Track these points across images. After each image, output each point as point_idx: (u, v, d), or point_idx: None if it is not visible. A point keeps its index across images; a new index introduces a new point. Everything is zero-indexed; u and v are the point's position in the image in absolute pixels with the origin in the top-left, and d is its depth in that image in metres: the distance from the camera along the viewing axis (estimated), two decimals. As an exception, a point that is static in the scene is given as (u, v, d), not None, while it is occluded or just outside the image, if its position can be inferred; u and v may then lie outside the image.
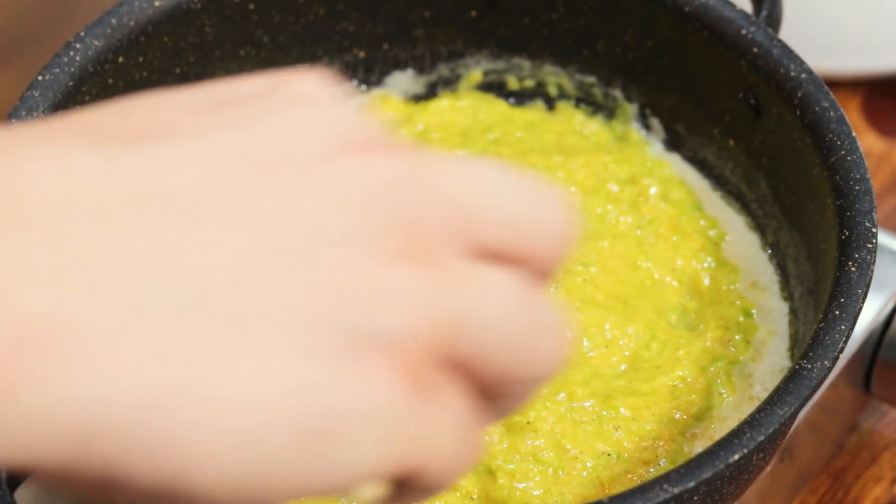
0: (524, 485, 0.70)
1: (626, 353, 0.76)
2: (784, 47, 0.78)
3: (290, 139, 0.44)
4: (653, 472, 0.71)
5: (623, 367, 0.76)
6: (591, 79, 0.87)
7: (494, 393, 0.47)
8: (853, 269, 0.69)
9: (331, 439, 0.43)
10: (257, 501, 0.43)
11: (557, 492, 0.70)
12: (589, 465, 0.71)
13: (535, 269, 0.48)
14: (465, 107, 0.87)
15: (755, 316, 0.79)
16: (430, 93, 0.89)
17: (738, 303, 0.79)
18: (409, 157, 0.45)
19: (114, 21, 0.78)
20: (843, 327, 0.67)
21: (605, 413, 0.73)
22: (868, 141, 1.06)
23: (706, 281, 0.80)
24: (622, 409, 0.73)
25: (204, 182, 0.42)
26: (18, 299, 0.39)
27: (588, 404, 0.73)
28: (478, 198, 0.46)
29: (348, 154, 0.44)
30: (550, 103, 0.89)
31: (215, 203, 0.42)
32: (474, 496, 0.70)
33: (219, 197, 0.42)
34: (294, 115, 0.44)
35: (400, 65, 0.89)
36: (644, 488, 0.62)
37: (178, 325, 0.41)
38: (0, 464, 0.40)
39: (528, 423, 0.71)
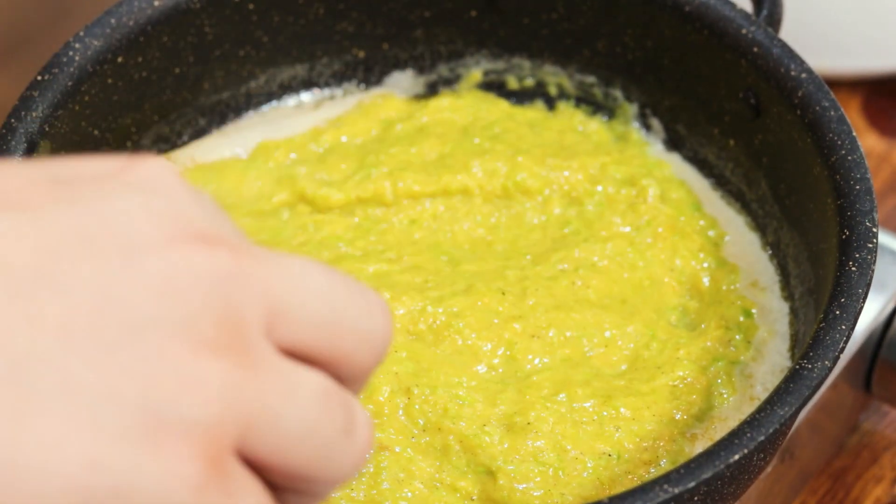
0: (524, 486, 0.70)
1: (626, 352, 0.76)
2: (784, 47, 0.78)
3: (125, 223, 0.45)
4: (653, 473, 0.71)
5: (623, 367, 0.76)
6: (591, 79, 0.87)
7: (292, 489, 0.49)
8: (854, 268, 0.69)
9: None
10: None
11: (558, 492, 0.70)
12: (589, 465, 0.71)
13: (347, 372, 0.50)
14: (465, 104, 0.87)
15: (755, 316, 0.79)
16: (430, 93, 0.89)
17: (738, 303, 0.79)
18: (237, 251, 0.47)
19: (113, 21, 0.78)
20: (843, 327, 0.67)
21: (605, 413, 0.73)
22: (869, 141, 1.06)
23: (706, 281, 0.80)
24: (622, 410, 0.73)
25: (33, 255, 0.44)
26: None
27: (588, 404, 0.73)
28: (296, 298, 0.48)
29: (179, 244, 0.46)
30: (550, 103, 0.89)
31: (41, 277, 0.44)
32: (474, 497, 0.70)
33: (46, 271, 0.44)
34: (134, 200, 0.46)
35: (400, 65, 0.89)
36: (644, 488, 0.62)
37: None
38: None
39: (528, 423, 0.71)
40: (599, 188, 0.83)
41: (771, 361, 0.77)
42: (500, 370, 0.74)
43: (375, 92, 0.89)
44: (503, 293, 0.76)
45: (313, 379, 0.48)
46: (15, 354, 0.43)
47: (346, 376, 0.50)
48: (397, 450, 0.71)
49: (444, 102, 0.87)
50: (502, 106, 0.88)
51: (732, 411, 0.74)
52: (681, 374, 0.75)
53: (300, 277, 0.48)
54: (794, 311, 0.78)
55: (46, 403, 0.43)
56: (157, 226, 0.46)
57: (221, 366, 0.45)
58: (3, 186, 0.46)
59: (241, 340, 0.46)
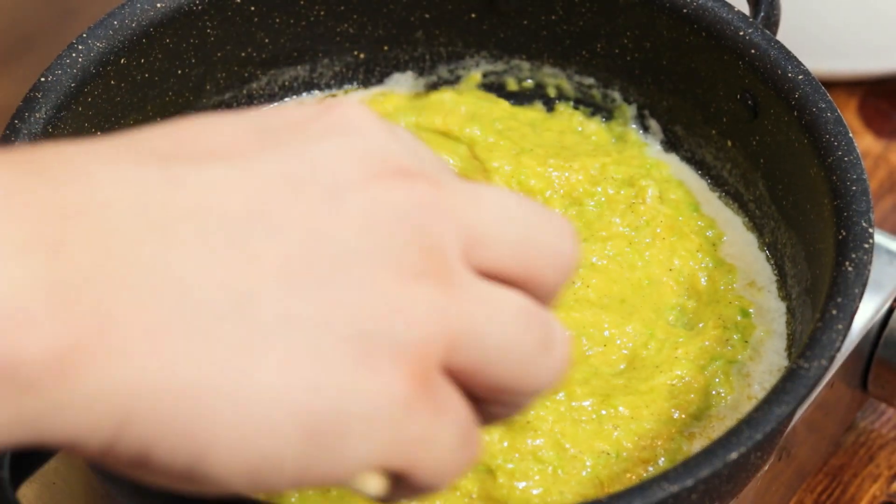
0: (524, 484, 0.70)
1: (625, 351, 0.76)
2: (781, 49, 0.79)
3: (328, 164, 0.49)
4: (651, 472, 0.72)
5: (622, 366, 0.76)
6: (589, 80, 0.88)
7: (494, 401, 0.52)
8: (850, 268, 0.69)
9: (334, 436, 0.48)
10: (260, 487, 0.48)
11: (557, 491, 0.70)
12: (588, 464, 0.71)
13: (541, 290, 0.53)
14: (466, 101, 0.88)
15: (753, 315, 0.79)
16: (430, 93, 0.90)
17: (735, 302, 0.79)
18: (435, 183, 0.50)
19: (116, 23, 0.79)
20: (840, 327, 0.67)
21: (604, 412, 0.73)
22: (865, 142, 1.06)
23: (704, 281, 0.80)
24: (621, 408, 0.73)
25: (246, 201, 0.47)
26: (84, 301, 0.45)
27: (587, 403, 0.73)
28: (491, 224, 0.51)
29: (379, 181, 0.49)
30: (549, 105, 0.89)
31: (256, 220, 0.47)
32: (474, 495, 0.71)
33: (259, 215, 0.47)
34: (334, 142, 0.50)
35: (400, 66, 0.89)
36: (643, 487, 0.63)
37: (216, 328, 0.46)
38: (56, 442, 0.46)
39: (527, 422, 0.72)
40: (599, 189, 0.83)
41: (768, 361, 0.77)
42: None
43: (376, 90, 0.89)
44: None
45: (512, 298, 0.51)
46: (239, 293, 0.46)
47: (540, 295, 0.53)
48: None
49: (445, 97, 0.88)
50: (503, 105, 0.88)
51: (730, 410, 0.75)
52: (679, 373, 0.75)
53: (495, 204, 0.51)
54: (791, 311, 0.78)
55: (270, 336, 0.46)
56: (358, 165, 0.49)
57: (427, 290, 0.48)
58: (212, 139, 0.49)
59: (443, 266, 0.49)
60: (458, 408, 0.50)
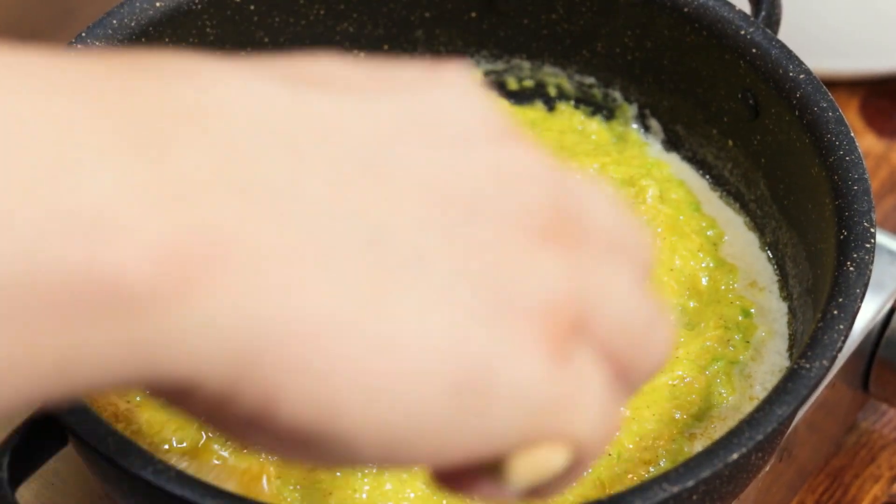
0: None
1: None
2: (783, 48, 0.78)
3: (453, 113, 0.45)
4: (653, 472, 0.72)
5: None
6: (590, 79, 0.88)
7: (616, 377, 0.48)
8: (851, 268, 0.69)
9: (482, 396, 0.43)
10: (392, 458, 0.43)
11: None
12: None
13: (641, 272, 0.49)
14: None
15: (754, 315, 0.79)
16: (430, 93, 0.89)
17: (736, 303, 0.79)
18: (549, 158, 0.47)
19: (115, 22, 0.79)
20: (841, 327, 0.67)
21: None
22: (867, 141, 1.06)
23: (704, 281, 0.80)
24: (622, 409, 0.73)
25: (377, 133, 0.43)
26: (202, 209, 0.39)
27: None
28: (599, 211, 0.48)
29: (506, 140, 0.46)
30: (550, 104, 0.89)
31: (391, 153, 0.43)
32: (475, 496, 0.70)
33: (394, 148, 0.43)
34: (454, 95, 0.46)
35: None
36: (643, 487, 0.63)
37: (352, 259, 0.41)
38: (171, 383, 0.40)
39: None
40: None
41: (770, 361, 0.77)
42: None
43: None
44: None
45: (626, 272, 0.48)
46: (374, 224, 0.42)
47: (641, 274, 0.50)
48: None
49: None
50: (502, 105, 0.88)
51: (731, 411, 0.75)
52: (680, 373, 0.75)
53: (600, 198, 0.48)
54: (792, 311, 0.78)
55: (407, 278, 0.42)
56: (482, 121, 0.46)
57: (560, 251, 0.45)
58: (336, 72, 0.45)
59: (571, 231, 0.46)
60: (598, 373, 0.46)
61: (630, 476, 0.71)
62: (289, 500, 0.70)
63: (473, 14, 0.87)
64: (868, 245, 0.70)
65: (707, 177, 0.86)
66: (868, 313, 0.82)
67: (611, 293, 0.47)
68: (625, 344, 0.47)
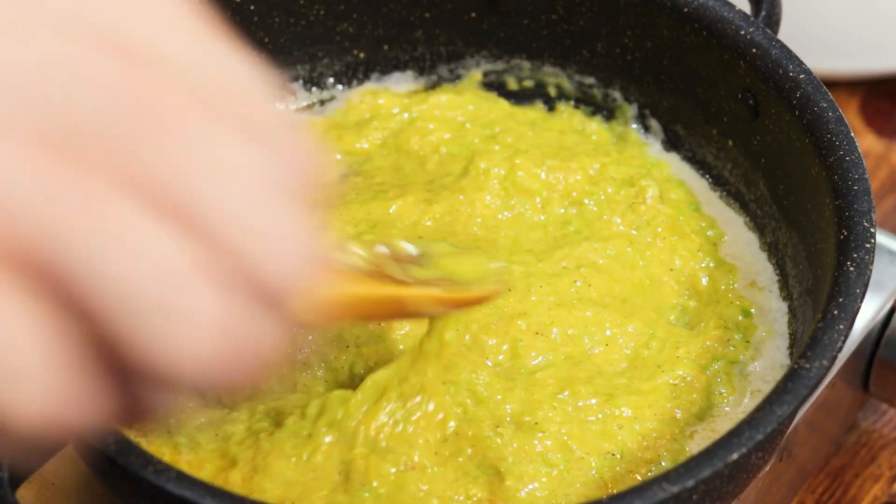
0: (531, 486, 0.70)
1: (627, 351, 0.76)
2: (783, 48, 0.78)
3: None
4: (654, 472, 0.72)
5: (624, 365, 0.76)
6: (590, 80, 0.88)
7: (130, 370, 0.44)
8: (851, 268, 0.69)
9: None
10: None
11: (562, 493, 0.70)
12: (594, 464, 0.71)
13: (248, 277, 0.45)
14: (465, 101, 0.88)
15: (754, 315, 0.79)
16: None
17: (736, 302, 0.79)
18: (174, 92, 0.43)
19: (115, 22, 0.79)
20: (841, 327, 0.67)
21: (608, 412, 0.73)
22: (866, 141, 1.06)
23: (704, 281, 0.80)
24: (624, 409, 0.73)
25: None
26: None
27: (592, 402, 0.73)
28: (197, 185, 0.44)
29: (90, 44, 0.43)
30: (550, 104, 0.89)
31: None
32: (479, 496, 0.70)
33: None
34: None
35: (400, 66, 0.89)
36: (643, 487, 0.63)
37: None
38: None
39: (536, 423, 0.72)
40: (599, 189, 0.83)
41: (770, 361, 0.77)
42: (506, 366, 0.75)
43: (373, 86, 0.89)
44: (508, 289, 0.76)
45: (169, 252, 0.44)
46: None
47: (250, 284, 0.45)
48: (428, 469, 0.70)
49: (442, 99, 0.88)
50: (502, 105, 0.88)
51: (732, 410, 0.75)
52: (681, 373, 0.75)
53: (214, 160, 0.44)
54: (792, 311, 0.78)
55: None
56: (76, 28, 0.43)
57: (57, 185, 0.42)
58: None
59: (92, 176, 0.42)
60: (22, 315, 0.42)
61: (633, 475, 0.71)
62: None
63: (473, 14, 0.87)
64: (868, 245, 0.70)
65: (707, 177, 0.86)
66: (868, 313, 0.82)
67: (107, 253, 0.42)
68: (113, 315, 0.43)
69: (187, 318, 0.44)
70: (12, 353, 0.42)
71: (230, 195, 0.44)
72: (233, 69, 0.46)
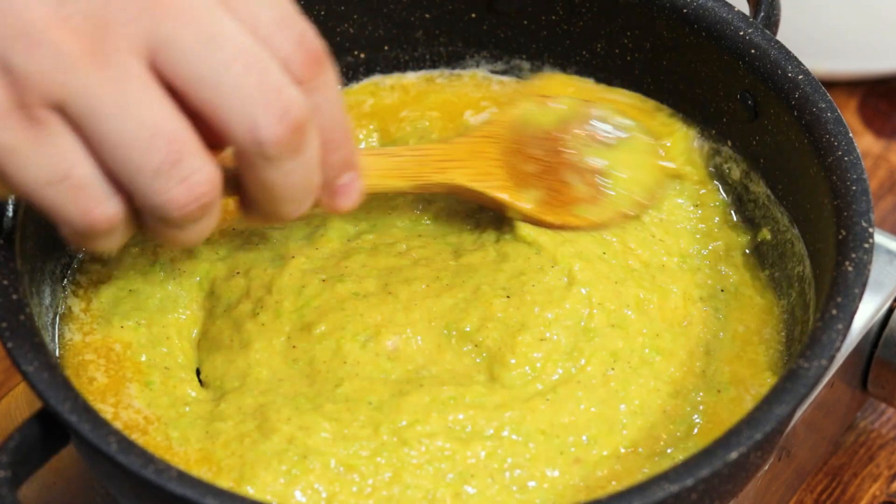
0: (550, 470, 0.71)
1: (636, 341, 0.76)
2: (782, 49, 0.79)
3: None
4: (654, 469, 0.72)
5: (628, 358, 0.76)
6: (589, 80, 0.88)
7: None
8: (850, 268, 0.69)
9: None
10: None
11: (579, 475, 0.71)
12: (605, 453, 0.71)
13: (226, 140, 0.58)
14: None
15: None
16: (430, 94, 0.90)
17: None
18: None
19: (116, 23, 0.79)
20: (839, 326, 0.67)
21: (614, 404, 0.73)
22: (865, 141, 1.06)
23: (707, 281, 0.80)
24: (635, 401, 0.73)
25: None
26: None
27: (601, 391, 0.73)
28: (187, 49, 0.56)
29: None
30: (550, 104, 0.89)
31: None
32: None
33: None
34: None
35: (400, 66, 0.89)
36: (643, 486, 0.63)
37: None
38: None
39: (547, 397, 0.72)
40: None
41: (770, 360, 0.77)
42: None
43: (374, 80, 0.89)
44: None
45: (155, 110, 0.55)
46: None
47: (233, 145, 0.58)
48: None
49: (442, 98, 0.88)
50: (502, 105, 0.88)
51: (732, 410, 0.75)
52: (682, 370, 0.75)
53: (204, 37, 0.55)
54: (791, 311, 0.78)
55: None
56: None
57: (71, 46, 0.53)
58: None
59: (103, 40, 0.54)
60: (67, 147, 0.55)
61: (644, 470, 0.71)
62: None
63: (473, 15, 0.87)
64: (866, 245, 0.70)
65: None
66: (867, 313, 0.82)
67: (110, 112, 0.55)
68: (114, 162, 0.56)
69: (167, 169, 0.56)
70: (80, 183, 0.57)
71: (212, 59, 0.56)
72: None
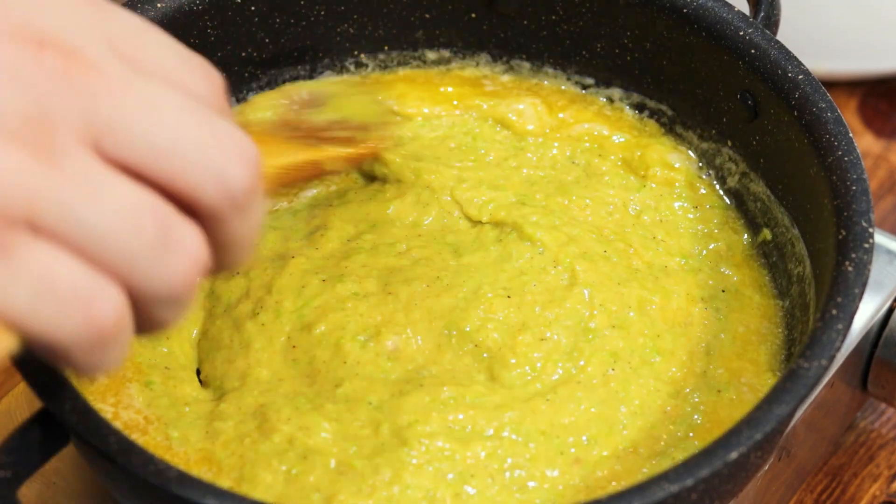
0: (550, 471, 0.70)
1: (633, 341, 0.76)
2: (782, 49, 0.79)
3: None
4: (653, 469, 0.72)
5: (628, 358, 0.76)
6: (589, 80, 0.88)
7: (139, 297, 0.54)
8: (850, 268, 0.69)
9: None
10: None
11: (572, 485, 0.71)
12: (605, 453, 0.71)
13: (201, 208, 0.54)
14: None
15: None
16: (430, 94, 0.90)
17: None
18: (75, 63, 0.52)
19: (116, 23, 0.79)
20: (840, 326, 0.67)
21: (615, 405, 0.73)
22: (865, 141, 1.06)
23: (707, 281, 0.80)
24: (635, 401, 0.73)
25: None
26: None
27: (601, 391, 0.73)
28: (135, 121, 0.53)
29: (10, 41, 0.52)
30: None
31: None
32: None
33: None
34: None
35: (400, 66, 0.89)
36: (643, 486, 0.63)
37: None
38: None
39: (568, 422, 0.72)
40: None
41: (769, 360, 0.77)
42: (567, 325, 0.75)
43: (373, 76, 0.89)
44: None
45: (127, 192, 0.52)
46: None
47: (202, 214, 0.54)
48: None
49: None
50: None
51: (732, 410, 0.75)
52: (683, 369, 0.75)
53: (148, 102, 0.53)
54: (791, 310, 0.78)
55: None
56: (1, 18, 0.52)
57: (18, 156, 0.50)
58: None
59: (49, 140, 0.51)
60: (44, 260, 0.51)
61: (644, 470, 0.71)
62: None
63: (473, 15, 0.87)
64: (866, 245, 0.70)
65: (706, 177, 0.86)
66: (867, 313, 0.82)
67: (81, 207, 0.52)
68: (103, 259, 0.52)
69: (161, 244, 0.53)
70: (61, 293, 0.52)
71: (161, 126, 0.53)
72: (127, 24, 0.56)
